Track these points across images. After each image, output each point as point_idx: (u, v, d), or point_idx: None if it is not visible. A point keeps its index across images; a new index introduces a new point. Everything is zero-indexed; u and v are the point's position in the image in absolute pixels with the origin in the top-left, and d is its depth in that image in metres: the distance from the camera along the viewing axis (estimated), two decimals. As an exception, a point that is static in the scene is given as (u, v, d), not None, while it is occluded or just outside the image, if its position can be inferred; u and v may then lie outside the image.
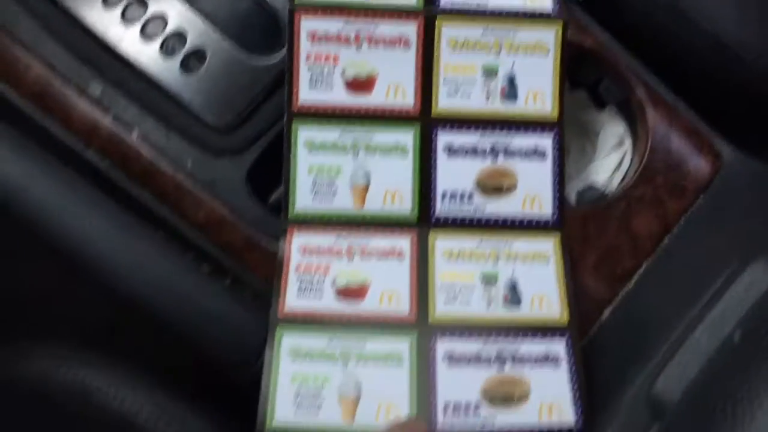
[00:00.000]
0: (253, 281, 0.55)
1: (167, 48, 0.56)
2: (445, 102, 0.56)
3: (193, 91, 0.56)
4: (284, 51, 0.56)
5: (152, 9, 0.56)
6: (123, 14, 0.56)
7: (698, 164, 0.57)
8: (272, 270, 0.53)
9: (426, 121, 0.56)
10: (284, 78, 0.55)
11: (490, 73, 0.56)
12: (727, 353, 0.38)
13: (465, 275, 0.53)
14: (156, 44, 0.56)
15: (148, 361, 0.52)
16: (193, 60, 0.56)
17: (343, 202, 0.55)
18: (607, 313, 0.54)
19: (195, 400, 0.50)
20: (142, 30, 0.56)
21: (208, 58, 0.56)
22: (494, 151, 0.55)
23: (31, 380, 0.49)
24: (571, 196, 0.59)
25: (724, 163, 0.57)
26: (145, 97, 0.56)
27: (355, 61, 0.55)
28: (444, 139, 0.55)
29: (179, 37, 0.56)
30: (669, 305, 0.50)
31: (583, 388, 0.49)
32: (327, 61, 0.55)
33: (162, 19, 0.56)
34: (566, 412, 0.48)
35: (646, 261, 0.55)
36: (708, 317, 0.43)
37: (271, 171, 0.56)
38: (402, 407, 0.48)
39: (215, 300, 0.52)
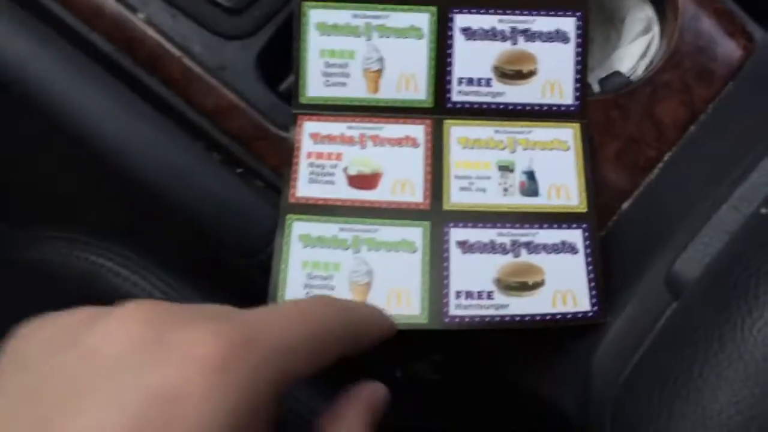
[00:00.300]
0: (263, 170, 0.54)
1: (170, -76, 0.53)
2: None
3: (200, -30, 0.53)
4: (294, -73, 0.52)
5: None
6: None
7: (729, 48, 0.54)
8: (283, 159, 0.52)
9: (443, 1, 0.53)
10: (294, -44, 0.53)
11: (510, -51, 0.53)
12: (752, 229, 0.37)
13: (481, 163, 0.52)
14: None
15: (159, 245, 0.52)
16: (198, -64, 0.53)
17: (355, 88, 0.53)
18: (627, 204, 0.52)
19: (205, 284, 0.50)
20: None
21: (213, -66, 0.53)
22: (514, 34, 0.53)
23: (44, 261, 0.48)
24: (594, 85, 0.57)
25: (757, 46, 0.54)
26: (149, -24, 0.54)
27: None
28: (461, 20, 0.53)
29: None
30: (691, 195, 0.48)
31: (600, 275, 0.48)
32: None
33: None
34: (581, 300, 0.47)
35: (669, 151, 0.52)
36: (734, 195, 0.41)
37: (282, 56, 0.54)
38: (414, 295, 0.47)
39: (226, 187, 0.51)
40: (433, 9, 0.53)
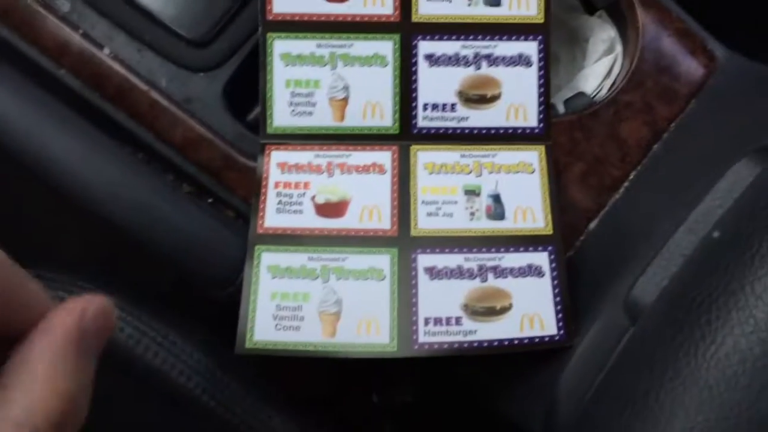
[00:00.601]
0: (233, 200, 0.54)
1: (134, -42, 0.53)
2: (425, 7, 0.53)
3: (164, 3, 0.54)
4: (256, -42, 0.53)
5: None
6: (85, -76, 0.53)
7: (691, 67, 0.54)
8: (253, 189, 0.53)
9: (406, 29, 0.53)
10: (257, -13, 0.53)
11: (471, -25, 0.53)
12: (706, 252, 0.37)
13: (447, 188, 0.52)
14: (122, -45, 0.53)
15: (129, 281, 0.52)
16: (162, -30, 0.53)
17: (322, 117, 0.53)
18: (593, 224, 0.52)
19: (176, 318, 0.50)
20: (107, -59, 0.53)
21: (177, -32, 0.53)
22: (477, 59, 0.53)
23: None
24: (560, 105, 0.57)
25: (718, 65, 0.54)
26: (114, 11, 0.54)
27: None
28: (425, 47, 0.53)
29: (146, -54, 0.53)
30: (656, 213, 0.48)
31: (566, 298, 0.48)
32: None
33: (127, -73, 0.53)
34: (548, 323, 0.47)
35: (634, 170, 0.53)
36: (689, 218, 0.41)
37: (249, 87, 0.55)
38: (383, 322, 0.48)
39: (195, 219, 0.51)
40: (397, 37, 0.53)
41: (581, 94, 0.56)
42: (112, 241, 0.50)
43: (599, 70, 0.57)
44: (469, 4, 0.53)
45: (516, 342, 0.47)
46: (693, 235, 0.41)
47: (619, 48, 0.57)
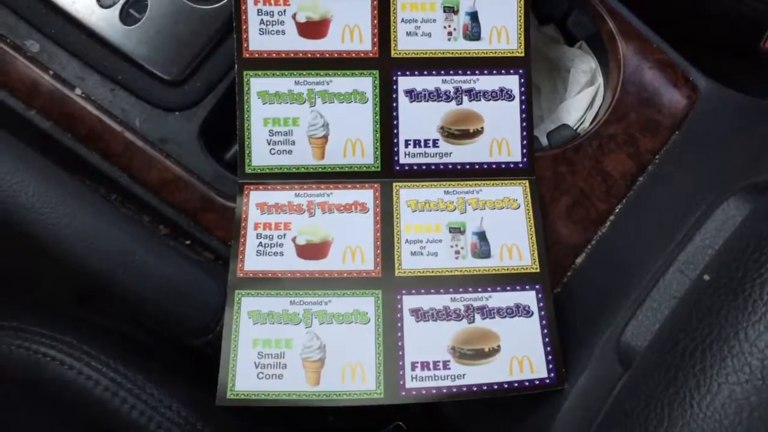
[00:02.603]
0: (211, 242, 0.53)
1: (105, -3, 0.52)
2: (404, 43, 0.52)
3: (136, 42, 0.52)
4: (231, -5, 0.52)
5: (86, -45, 0.52)
6: (55, -38, 0.52)
7: (673, 98, 0.54)
8: (231, 230, 0.51)
9: (385, 64, 0.52)
10: (232, 24, 0.52)
11: (450, 9, 0.53)
12: (697, 295, 0.36)
13: (432, 226, 0.51)
14: (92, -6, 0.52)
15: (105, 331, 0.51)
16: (133, 9, 0.52)
17: (301, 155, 0.52)
18: (580, 259, 0.52)
19: (154, 368, 0.48)
20: (77, -21, 0.52)
21: (149, 6, 0.52)
22: (458, 94, 0.53)
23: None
24: (542, 137, 0.56)
25: (700, 95, 0.54)
26: (85, 51, 0.53)
27: (307, 2, 0.52)
28: (405, 83, 0.53)
29: (117, -16, 0.52)
30: (643, 248, 0.48)
31: (556, 340, 0.47)
32: (277, 4, 0.52)
33: (98, -34, 0.52)
34: (538, 366, 0.46)
35: (620, 203, 0.52)
36: (679, 258, 0.40)
37: (226, 125, 0.53)
38: (368, 368, 0.46)
39: (172, 265, 0.49)
40: (376, 72, 0.52)
41: (564, 126, 0.55)
42: (85, 288, 0.48)
43: (581, 101, 0.57)
44: (449, 39, 0.53)
45: (506, 386, 0.46)
46: (683, 276, 0.40)
47: (600, 79, 0.57)
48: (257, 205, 0.51)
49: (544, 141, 0.56)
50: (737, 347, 0.34)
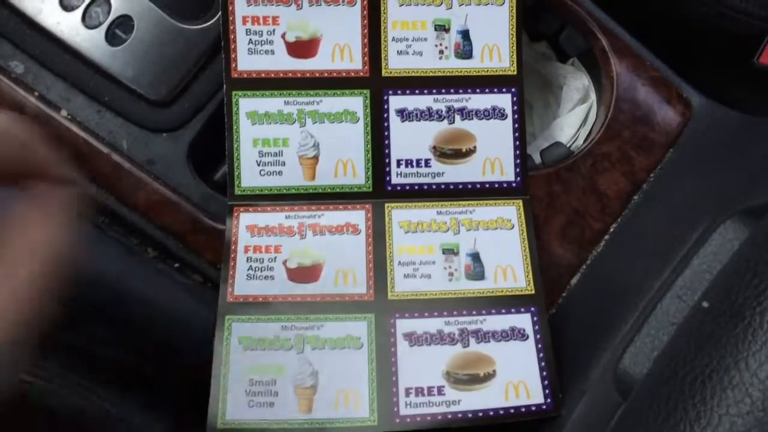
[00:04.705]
0: (200, 264, 0.52)
1: (90, 17, 0.51)
2: (395, 62, 0.52)
3: (122, 63, 0.51)
4: (218, 15, 0.51)
5: (71, -25, 0.51)
6: (40, -17, 0.51)
7: (667, 115, 0.53)
8: (221, 252, 0.50)
9: (376, 84, 0.52)
10: (221, 44, 0.51)
11: (442, 28, 0.52)
12: (696, 323, 0.36)
13: (425, 248, 0.50)
14: (78, 14, 0.51)
15: (91, 356, 0.49)
16: (119, 29, 0.51)
17: (292, 176, 0.51)
18: (575, 279, 0.51)
19: (142, 396, 0.47)
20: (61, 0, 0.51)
21: (135, 26, 0.51)
22: (450, 113, 0.52)
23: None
24: (535, 155, 0.56)
25: (694, 112, 0.53)
26: (71, 72, 0.52)
27: (296, 22, 0.51)
28: (396, 102, 0.52)
29: (103, 4, 0.51)
30: (640, 269, 0.47)
31: (552, 364, 0.46)
32: (266, 23, 0.51)
33: (83, -15, 0.51)
34: (534, 391, 0.46)
35: (615, 222, 0.52)
36: (677, 283, 0.40)
37: (214, 146, 0.53)
38: (362, 394, 0.46)
39: (160, 289, 0.48)
40: (367, 92, 0.52)
41: (557, 144, 0.55)
42: (68, 314, 0.47)
43: (574, 118, 0.56)
44: (441, 58, 0.52)
45: (502, 412, 0.45)
46: (681, 302, 0.39)
47: (593, 96, 0.56)
48: (247, 228, 0.50)
49: (536, 158, 0.56)
50: (738, 377, 0.33)
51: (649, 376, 0.36)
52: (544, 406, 0.45)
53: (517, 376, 0.46)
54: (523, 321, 0.48)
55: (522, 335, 0.47)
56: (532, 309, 0.48)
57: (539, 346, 0.47)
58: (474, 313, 0.48)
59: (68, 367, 0.47)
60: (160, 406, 0.48)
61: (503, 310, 0.48)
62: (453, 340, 0.47)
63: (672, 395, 0.35)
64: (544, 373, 0.46)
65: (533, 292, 0.49)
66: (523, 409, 0.45)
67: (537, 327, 0.48)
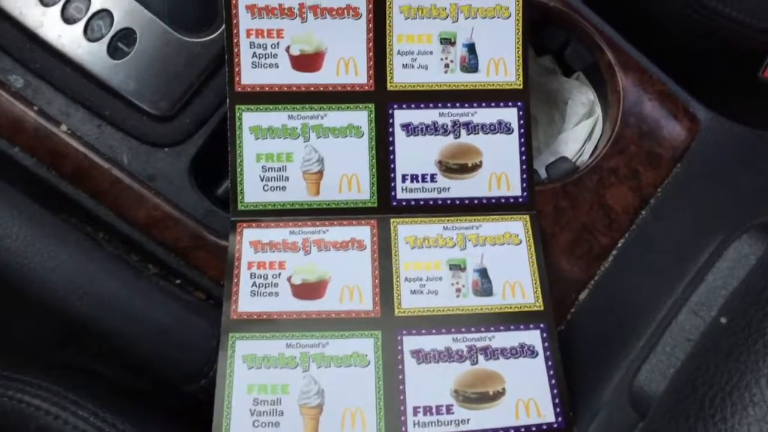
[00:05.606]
0: (203, 281, 0.51)
1: (92, 30, 0.50)
2: (400, 76, 0.51)
3: (124, 76, 0.51)
4: (222, 28, 0.51)
5: (72, -12, 0.50)
6: (40, -5, 0.50)
7: (674, 129, 0.53)
8: (223, 268, 0.49)
9: (381, 97, 0.51)
10: (224, 58, 0.50)
11: (447, 41, 0.52)
12: (714, 339, 0.35)
13: (431, 263, 0.49)
14: (80, 27, 0.50)
15: (91, 375, 0.48)
16: (121, 42, 0.51)
17: (296, 191, 0.50)
18: (584, 295, 0.50)
19: (144, 416, 0.46)
20: (63, 11, 0.50)
21: (138, 39, 0.51)
22: (456, 127, 0.51)
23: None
24: (541, 170, 0.55)
25: (701, 126, 0.53)
26: (71, 86, 0.51)
27: (300, 35, 0.51)
28: (401, 116, 0.51)
29: (105, 17, 0.51)
30: (650, 284, 0.47)
31: (562, 381, 0.45)
32: (270, 37, 0.51)
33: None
34: (545, 409, 0.45)
35: (622, 237, 0.51)
36: (692, 299, 0.39)
37: (217, 161, 0.52)
38: (369, 414, 0.45)
39: (161, 307, 0.47)
40: (372, 106, 0.51)
41: (563, 158, 0.54)
42: (69, 332, 0.46)
43: (580, 133, 0.56)
44: (446, 71, 0.51)
45: (512, 431, 0.44)
46: (697, 317, 0.39)
47: (598, 110, 0.56)
48: (251, 244, 0.50)
49: (542, 173, 0.55)
50: (759, 395, 0.33)
51: (668, 393, 0.36)
52: (555, 425, 0.44)
53: (527, 394, 0.45)
54: (533, 338, 0.47)
55: (531, 352, 0.47)
56: (542, 325, 0.47)
57: (549, 363, 0.46)
58: (482, 329, 0.47)
59: (68, 389, 0.46)
60: (161, 426, 0.47)
61: (512, 327, 0.47)
62: (461, 357, 0.46)
63: (692, 413, 0.34)
64: (555, 391, 0.45)
65: (542, 308, 0.48)
66: (534, 428, 0.44)
67: (547, 344, 0.47)
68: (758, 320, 0.34)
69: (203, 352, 0.47)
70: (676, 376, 0.37)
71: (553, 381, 0.46)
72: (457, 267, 0.49)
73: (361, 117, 0.51)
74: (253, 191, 0.50)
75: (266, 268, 0.49)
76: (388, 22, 0.51)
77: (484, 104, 0.52)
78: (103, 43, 0.50)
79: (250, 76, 0.50)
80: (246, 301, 0.48)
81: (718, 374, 0.34)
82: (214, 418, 0.44)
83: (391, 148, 0.51)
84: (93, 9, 0.50)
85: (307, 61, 0.51)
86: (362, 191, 0.51)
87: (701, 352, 0.36)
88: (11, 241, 0.43)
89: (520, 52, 0.52)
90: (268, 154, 0.50)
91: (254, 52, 0.50)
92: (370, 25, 0.51)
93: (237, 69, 0.50)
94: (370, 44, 0.51)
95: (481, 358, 0.47)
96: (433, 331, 0.47)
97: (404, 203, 0.51)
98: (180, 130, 0.51)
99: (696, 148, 0.52)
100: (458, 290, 0.49)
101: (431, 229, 0.50)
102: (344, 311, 0.48)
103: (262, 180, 0.50)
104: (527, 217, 0.51)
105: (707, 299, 0.39)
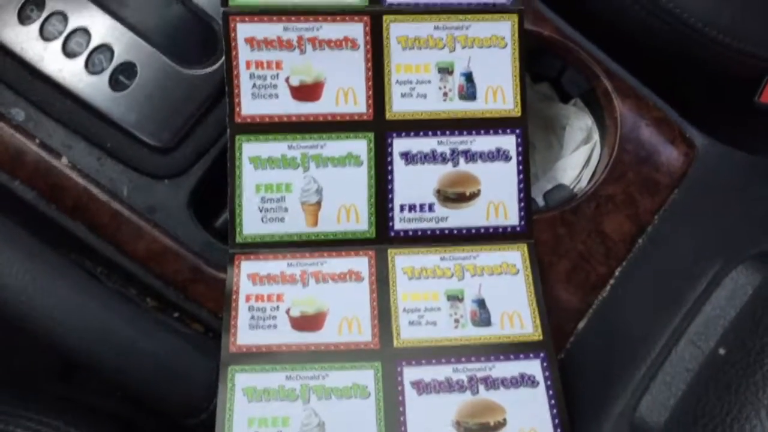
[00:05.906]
0: (201, 314, 0.51)
1: (93, 64, 0.51)
2: (399, 105, 0.52)
3: (125, 109, 0.51)
4: (222, 60, 0.51)
5: (73, 23, 0.51)
6: (41, 30, 0.51)
7: (671, 155, 0.53)
8: (222, 301, 0.49)
9: (380, 126, 0.51)
10: (224, 89, 0.51)
11: (445, 70, 0.52)
12: (714, 370, 0.35)
13: (429, 294, 0.49)
14: (81, 60, 0.51)
15: (90, 410, 0.48)
16: (122, 75, 0.51)
17: (294, 222, 0.51)
18: (582, 324, 0.50)
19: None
20: (64, 46, 0.51)
21: (138, 72, 0.51)
22: (455, 155, 0.52)
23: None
24: (538, 197, 0.56)
25: (698, 152, 0.53)
26: (72, 119, 0.51)
27: (299, 66, 0.51)
28: (400, 144, 0.52)
29: (105, 51, 0.51)
30: (648, 313, 0.47)
31: (563, 411, 0.45)
32: (269, 68, 0.51)
33: (85, 33, 0.51)
34: (546, 440, 0.45)
35: (620, 266, 0.51)
36: (690, 329, 0.39)
37: (216, 193, 0.52)
38: None
39: (160, 342, 0.47)
40: (371, 135, 0.51)
41: (561, 186, 0.55)
42: (71, 371, 0.46)
43: (577, 159, 0.56)
44: (444, 99, 0.52)
45: (514, 463, 0.44)
46: (696, 348, 0.38)
47: (596, 136, 0.56)
48: (249, 276, 0.50)
49: (539, 200, 0.55)
50: (759, 427, 0.33)
51: (669, 424, 0.36)
52: (558, 457, 0.44)
53: (529, 424, 0.45)
54: (533, 367, 0.47)
55: (532, 382, 0.47)
56: (542, 355, 0.47)
57: (550, 392, 0.46)
58: (482, 359, 0.47)
59: (69, 423, 0.46)
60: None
61: (512, 356, 0.47)
62: (462, 387, 0.46)
63: (692, 447, 0.34)
64: (556, 421, 0.45)
65: (541, 338, 0.48)
66: (536, 460, 0.44)
67: (547, 373, 0.47)
68: (756, 352, 0.34)
69: (203, 385, 0.47)
70: (676, 407, 0.36)
71: (555, 410, 0.45)
72: (455, 298, 0.49)
73: (360, 146, 0.51)
74: (251, 222, 0.51)
75: (264, 300, 0.49)
76: (385, 52, 0.51)
77: (482, 132, 0.52)
78: (104, 76, 0.51)
79: (250, 107, 0.51)
80: (245, 334, 0.48)
81: (718, 406, 0.34)
82: (214, 453, 0.44)
83: (389, 177, 0.51)
84: (94, 44, 0.51)
85: (306, 91, 0.51)
86: (360, 222, 0.51)
87: (701, 384, 0.36)
88: (10, 278, 0.43)
89: (518, 80, 0.52)
90: (267, 185, 0.51)
91: (254, 83, 0.51)
92: (369, 56, 0.51)
93: (237, 100, 0.51)
94: (369, 74, 0.51)
95: (481, 388, 0.46)
96: (433, 361, 0.47)
97: (402, 233, 0.51)
98: (180, 161, 0.51)
99: (693, 174, 0.52)
100: (456, 321, 0.49)
101: (428, 260, 0.51)
102: (343, 343, 0.48)
103: (261, 211, 0.51)
104: (525, 247, 0.51)
105: (705, 329, 0.39)
